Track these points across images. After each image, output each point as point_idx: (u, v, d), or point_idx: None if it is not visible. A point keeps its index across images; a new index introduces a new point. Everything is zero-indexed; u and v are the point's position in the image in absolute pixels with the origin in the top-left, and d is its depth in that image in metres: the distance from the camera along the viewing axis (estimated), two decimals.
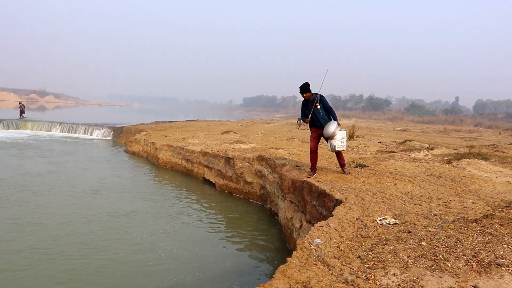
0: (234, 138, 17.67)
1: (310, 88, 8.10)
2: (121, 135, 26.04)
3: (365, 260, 3.53)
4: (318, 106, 7.98)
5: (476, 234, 4.02)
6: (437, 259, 3.45)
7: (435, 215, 5.06)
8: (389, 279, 3.16)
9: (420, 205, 5.70)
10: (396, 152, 12.72)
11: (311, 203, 7.27)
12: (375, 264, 3.44)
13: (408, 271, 3.27)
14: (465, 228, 4.19)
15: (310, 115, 8.06)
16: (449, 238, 3.91)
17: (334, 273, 3.30)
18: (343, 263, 3.49)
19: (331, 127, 7.84)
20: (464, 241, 3.82)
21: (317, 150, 8.39)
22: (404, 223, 4.63)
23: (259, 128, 25.63)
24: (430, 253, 3.57)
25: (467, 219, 4.57)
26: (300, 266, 3.41)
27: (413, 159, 11.08)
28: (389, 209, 5.43)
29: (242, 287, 6.34)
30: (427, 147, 13.96)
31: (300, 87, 8.04)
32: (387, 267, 3.36)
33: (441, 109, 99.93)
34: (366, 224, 4.66)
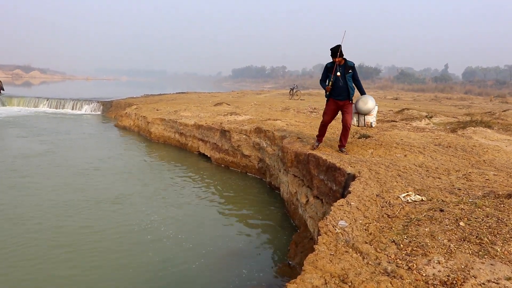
0: (227, 110, 17.16)
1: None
2: (110, 109, 25.30)
3: (402, 246, 3.14)
4: (345, 74, 7.13)
5: None
6: (483, 243, 3.08)
7: (459, 189, 4.69)
8: (434, 268, 2.78)
9: (439, 178, 5.33)
10: (396, 122, 12.36)
11: (318, 177, 6.87)
12: (413, 250, 3.06)
13: (453, 258, 2.89)
14: (502, 205, 3.82)
15: (330, 82, 7.18)
16: (488, 217, 3.54)
17: (370, 263, 2.91)
18: (378, 249, 3.11)
19: (371, 102, 7.28)
20: (506, 220, 3.45)
21: (329, 124, 7.70)
22: (431, 200, 4.25)
23: (251, 99, 25.08)
24: (473, 236, 3.20)
25: (498, 194, 4.21)
26: (331, 255, 3.01)
27: (416, 128, 10.72)
28: (408, 183, 5.05)
29: (251, 270, 5.97)
30: (426, 116, 13.61)
31: (331, 49, 7.06)
32: (428, 253, 2.98)
33: (431, 77, 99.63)
34: (389, 201, 4.28)
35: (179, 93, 35.62)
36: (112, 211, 8.11)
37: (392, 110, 17.27)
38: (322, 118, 7.73)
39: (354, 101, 7.41)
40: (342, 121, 7.37)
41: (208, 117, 15.27)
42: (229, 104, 19.96)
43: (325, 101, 7.69)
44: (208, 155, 13.34)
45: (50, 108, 27.01)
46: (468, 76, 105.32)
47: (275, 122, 12.30)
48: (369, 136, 8.92)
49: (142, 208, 8.35)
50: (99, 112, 26.00)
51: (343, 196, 5.82)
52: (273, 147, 10.44)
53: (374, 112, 7.39)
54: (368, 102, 7.26)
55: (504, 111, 19.30)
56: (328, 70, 7.29)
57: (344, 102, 7.25)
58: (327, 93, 7.37)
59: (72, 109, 26.65)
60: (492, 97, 38.11)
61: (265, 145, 10.88)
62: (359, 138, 8.97)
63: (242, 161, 11.96)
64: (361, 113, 7.37)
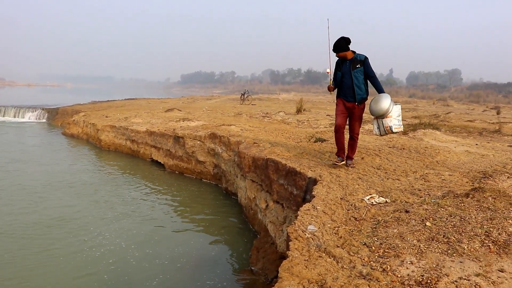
0: (179, 116, 16.90)
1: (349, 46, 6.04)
2: (56, 116, 24.26)
3: (373, 248, 3.16)
4: (351, 70, 6.01)
5: (476, 210, 3.78)
6: (450, 242, 3.15)
7: (419, 190, 4.80)
8: (407, 268, 2.81)
9: (398, 180, 5.45)
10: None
11: (278, 182, 6.86)
12: (385, 252, 3.08)
13: (424, 258, 2.93)
14: (462, 204, 3.94)
15: (331, 81, 6.25)
16: (451, 216, 3.63)
17: (345, 266, 2.90)
18: (350, 253, 3.10)
19: (385, 101, 5.84)
20: (468, 218, 3.55)
21: (344, 128, 6.28)
22: (394, 201, 4.33)
23: (202, 105, 24.88)
24: (440, 235, 3.27)
25: (457, 194, 4.34)
26: (305, 260, 2.98)
27: (369, 131, 10.97)
28: (369, 186, 5.13)
29: (214, 279, 5.84)
30: None
31: (334, 44, 6.00)
32: (400, 254, 3.01)
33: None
34: (354, 204, 4.31)
35: (128, 99, 34.77)
36: (61, 227, 7.57)
37: None
38: (334, 122, 6.43)
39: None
40: (349, 128, 6.32)
41: (160, 124, 14.98)
42: (180, 110, 19.69)
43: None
44: (162, 162, 13.07)
45: None
46: (412, 81, 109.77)
47: (229, 127, 12.22)
48: (325, 140, 9.02)
49: (93, 221, 7.92)
50: (44, 120, 24.86)
51: (304, 200, 5.84)
52: (229, 152, 10.36)
53: (394, 113, 5.92)
54: (380, 101, 5.88)
55: (447, 113, 20.24)
56: (337, 66, 6.28)
57: (352, 104, 6.11)
58: (331, 92, 6.45)
59: (14, 117, 25.34)
60: (434, 100, 39.93)
61: (221, 151, 10.78)
62: (315, 142, 9.05)
63: (197, 167, 11.79)
64: (378, 117, 6.01)
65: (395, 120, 5.89)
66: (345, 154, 6.42)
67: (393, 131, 5.90)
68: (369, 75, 6.03)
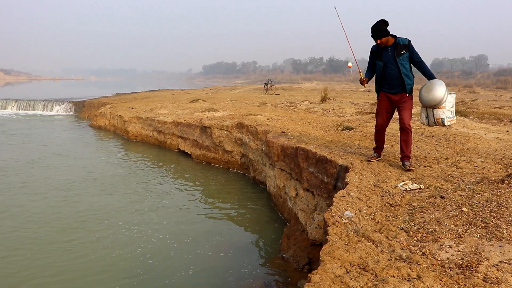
0: (204, 106, 17.07)
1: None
2: (83, 109, 24.75)
3: (411, 233, 3.22)
4: (396, 57, 5.29)
5: None
6: (489, 226, 3.18)
7: (452, 177, 4.81)
8: (447, 252, 2.86)
9: (430, 167, 5.45)
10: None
11: (308, 170, 6.93)
12: (423, 236, 3.13)
13: (463, 242, 2.98)
14: (498, 190, 3.95)
15: (361, 73, 5.59)
16: (488, 202, 3.65)
17: (385, 250, 2.97)
18: (389, 237, 3.17)
19: (440, 89, 5.05)
20: (506, 204, 3.57)
21: (386, 128, 5.72)
22: (428, 188, 4.36)
23: (226, 95, 25.01)
24: (478, 220, 3.30)
25: (492, 180, 4.34)
26: (345, 245, 3.06)
27: (396, 119, 10.90)
28: (401, 173, 5.16)
29: (247, 266, 5.96)
30: None
31: (373, 29, 5.29)
32: (438, 238, 3.06)
33: None
34: (388, 191, 4.36)
35: (151, 91, 35.19)
36: (94, 219, 7.71)
37: (368, 102, 17.54)
38: (375, 121, 5.83)
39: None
40: (399, 120, 5.53)
41: (186, 114, 15.16)
42: (205, 101, 19.87)
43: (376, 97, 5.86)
44: (189, 152, 13.26)
45: (19, 110, 26.14)
46: (436, 67, 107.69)
47: (255, 117, 12.30)
48: (352, 128, 9.03)
49: (126, 213, 8.05)
50: (71, 113, 25.39)
51: (335, 188, 5.90)
52: (256, 141, 10.45)
53: (448, 104, 5.13)
54: (433, 89, 5.09)
55: (474, 100, 19.89)
56: (373, 55, 5.52)
57: (400, 96, 5.39)
58: (364, 86, 5.81)
59: (42, 110, 25.95)
60: (460, 87, 39.14)
61: (248, 140, 10.89)
62: (342, 130, 9.07)
63: (224, 157, 11.93)
64: (428, 107, 5.22)
65: (448, 112, 5.12)
66: (382, 148, 5.95)
67: (445, 124, 5.14)
68: (416, 60, 5.31)
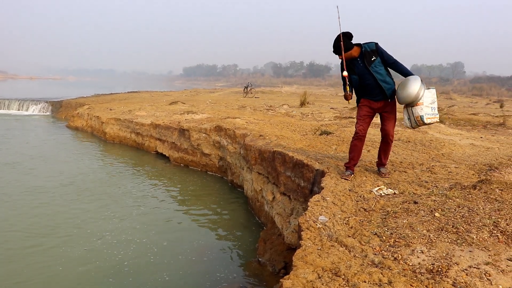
0: (183, 109, 16.97)
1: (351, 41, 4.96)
2: (60, 109, 24.32)
3: (384, 238, 3.24)
4: (368, 66, 4.94)
5: (483, 202, 3.84)
6: (459, 232, 3.22)
7: (426, 182, 4.87)
8: (418, 257, 2.89)
9: (405, 172, 5.51)
10: (354, 118, 12.65)
11: (285, 174, 6.93)
12: (396, 241, 3.16)
13: (435, 247, 3.01)
14: (470, 196, 4.01)
15: (347, 86, 5.08)
16: (459, 207, 3.70)
17: (357, 255, 2.98)
18: (362, 242, 3.18)
19: (414, 84, 4.73)
20: (476, 209, 3.62)
21: (365, 136, 5.26)
22: (402, 193, 4.40)
23: (205, 98, 24.92)
24: (449, 225, 3.34)
25: (464, 186, 4.41)
26: (318, 249, 3.06)
27: (374, 124, 11.01)
28: (377, 177, 5.20)
29: (223, 270, 5.93)
30: None
31: (334, 46, 4.96)
32: (411, 244, 3.09)
33: None
34: (363, 195, 4.39)
35: (131, 92, 34.80)
36: (70, 224, 7.54)
37: (347, 107, 17.67)
38: (355, 128, 5.27)
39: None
40: (381, 130, 5.27)
41: (165, 116, 15.06)
42: (184, 103, 19.76)
43: (356, 104, 5.40)
44: (167, 155, 13.16)
45: None
46: (414, 73, 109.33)
47: (234, 120, 12.27)
48: (330, 133, 9.08)
49: (101, 218, 7.88)
50: (48, 113, 24.94)
51: (311, 192, 5.91)
52: (235, 145, 10.43)
53: (426, 100, 4.79)
54: (407, 85, 4.78)
55: (450, 106, 20.27)
56: (347, 69, 5.08)
57: (382, 103, 5.09)
58: (349, 101, 5.30)
59: (18, 110, 25.43)
60: (438, 94, 39.83)
61: (226, 143, 10.85)
62: (320, 134, 9.11)
63: (202, 160, 11.88)
64: (407, 105, 4.94)
65: (427, 108, 4.76)
66: (355, 164, 5.43)
67: (425, 122, 4.80)
68: (389, 62, 4.97)
